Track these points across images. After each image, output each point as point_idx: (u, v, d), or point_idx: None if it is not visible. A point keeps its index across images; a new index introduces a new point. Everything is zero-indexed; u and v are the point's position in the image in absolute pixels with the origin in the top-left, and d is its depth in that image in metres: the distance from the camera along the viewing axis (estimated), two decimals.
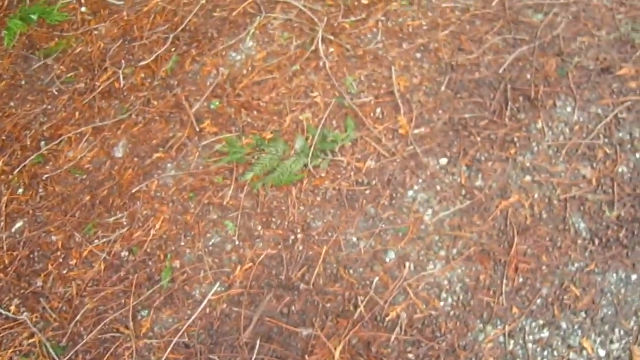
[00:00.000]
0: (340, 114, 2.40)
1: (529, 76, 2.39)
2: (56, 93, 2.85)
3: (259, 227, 2.21)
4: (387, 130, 2.32)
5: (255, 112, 2.48)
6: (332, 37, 2.64)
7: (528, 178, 2.16)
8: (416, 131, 2.30)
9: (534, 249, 2.02)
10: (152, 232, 2.30)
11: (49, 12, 3.20)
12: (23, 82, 2.97)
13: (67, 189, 2.52)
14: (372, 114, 2.37)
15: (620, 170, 2.15)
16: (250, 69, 2.63)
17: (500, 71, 2.42)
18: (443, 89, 2.41)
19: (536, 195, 2.12)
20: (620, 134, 2.22)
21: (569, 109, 2.29)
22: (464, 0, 2.68)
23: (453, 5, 2.67)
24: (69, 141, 2.65)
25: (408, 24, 2.64)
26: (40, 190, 2.55)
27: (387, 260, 2.06)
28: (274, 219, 2.21)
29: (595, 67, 2.39)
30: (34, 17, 3.21)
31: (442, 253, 2.05)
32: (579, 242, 2.03)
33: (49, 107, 2.81)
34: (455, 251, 2.05)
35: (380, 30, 2.63)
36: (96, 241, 2.34)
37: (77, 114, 2.74)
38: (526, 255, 2.01)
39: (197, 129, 2.49)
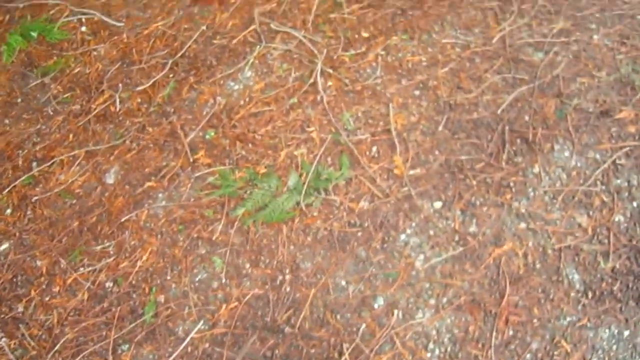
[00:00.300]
0: (336, 150, 2.37)
1: (527, 117, 2.36)
2: (51, 113, 2.83)
3: (247, 265, 2.17)
4: (381, 170, 2.29)
5: (250, 145, 2.45)
6: (330, 70, 2.61)
7: (523, 225, 2.12)
8: (411, 172, 2.27)
9: (526, 300, 1.98)
10: (139, 263, 2.26)
11: (49, 29, 3.19)
12: (19, 100, 2.95)
13: (55, 213, 2.48)
14: (367, 152, 2.34)
15: (616, 219, 2.11)
16: (247, 99, 2.61)
17: (499, 111, 2.39)
18: (440, 128, 2.38)
19: (530, 244, 2.08)
20: (618, 181, 2.18)
21: (567, 153, 2.26)
22: (464, 36, 2.66)
23: (453, 41, 2.65)
24: (61, 164, 2.62)
25: (407, 59, 2.62)
26: (29, 212, 2.52)
27: (376, 306, 2.02)
28: (262, 257, 2.17)
29: (595, 109, 2.36)
30: (34, 34, 3.19)
31: (432, 301, 2.01)
32: (572, 294, 1.98)
33: (43, 127, 2.79)
34: (445, 300, 2.01)
35: (380, 65, 2.61)
36: (81, 269, 2.31)
37: (70, 136, 2.71)
38: (517, 306, 1.97)
39: (191, 159, 2.46)
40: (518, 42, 2.58)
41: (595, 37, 2.55)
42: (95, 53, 3.01)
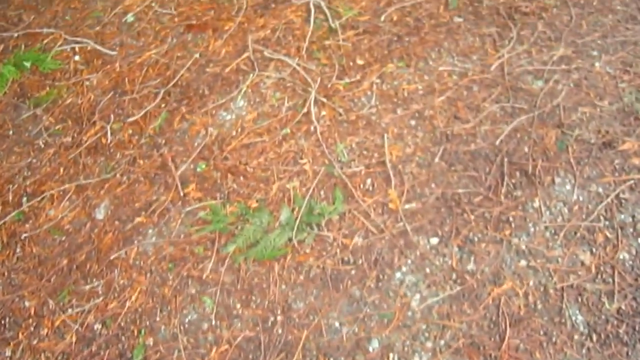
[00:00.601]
0: (329, 183, 2.30)
1: (526, 149, 2.29)
2: (42, 146, 2.79)
3: (238, 305, 2.10)
4: (376, 204, 2.22)
5: (242, 178, 2.39)
6: (324, 99, 2.55)
7: (523, 263, 2.04)
8: (407, 206, 2.20)
9: (527, 343, 1.89)
10: (128, 303, 2.19)
11: (42, 59, 3.16)
12: (11, 132, 2.91)
13: (44, 251, 2.43)
14: (361, 185, 2.27)
15: (621, 256, 2.02)
16: (239, 129, 2.55)
17: (497, 142, 2.32)
18: (437, 160, 2.31)
19: (531, 283, 2.00)
20: (622, 216, 2.10)
21: (568, 187, 2.18)
22: (462, 64, 2.60)
23: (450, 69, 2.59)
24: (51, 198, 2.57)
25: (403, 87, 2.56)
26: (18, 250, 2.47)
27: (370, 349, 1.94)
28: (253, 297, 2.10)
29: (596, 140, 2.28)
30: (27, 64, 3.17)
31: (429, 344, 1.92)
32: (576, 337, 1.89)
33: (34, 160, 2.74)
34: (442, 342, 1.92)
35: (375, 94, 2.55)
36: (69, 310, 2.24)
37: (61, 169, 2.67)
38: (518, 350, 1.88)
39: (182, 193, 2.40)
40: (517, 70, 2.52)
41: (597, 64, 2.48)
42: (87, 83, 2.97)
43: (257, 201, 2.31)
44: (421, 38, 2.74)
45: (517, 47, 2.60)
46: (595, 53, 2.53)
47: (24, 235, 2.48)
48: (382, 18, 2.85)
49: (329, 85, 2.62)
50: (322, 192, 2.29)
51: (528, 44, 2.60)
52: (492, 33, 2.69)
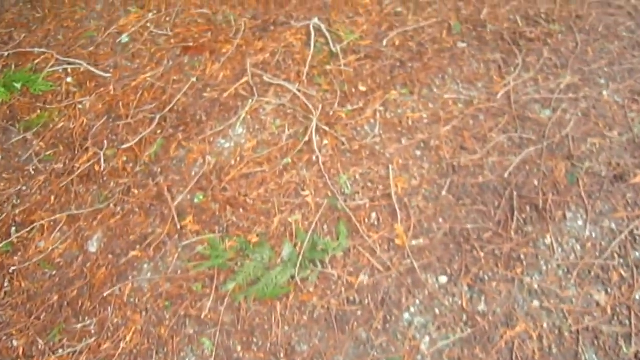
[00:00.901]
0: (333, 217, 2.21)
1: (536, 182, 2.22)
2: (32, 172, 2.68)
3: (239, 348, 2.00)
4: (382, 240, 2.13)
5: (241, 210, 2.29)
6: (326, 128, 2.47)
7: (536, 303, 1.96)
8: (414, 242, 2.11)
9: None
10: (122, 344, 2.09)
11: (33, 80, 3.05)
12: (0, 157, 2.79)
13: (34, 285, 2.31)
14: (366, 220, 2.19)
15: (637, 296, 1.96)
16: (238, 158, 2.46)
17: (506, 175, 2.25)
18: (444, 193, 2.23)
19: (545, 325, 1.92)
20: (637, 254, 2.03)
21: (580, 222, 2.11)
22: (467, 91, 2.53)
23: (455, 97, 2.52)
24: (41, 229, 2.46)
25: (407, 115, 2.48)
26: (6, 284, 2.35)
27: None
28: (255, 339, 2.00)
29: (608, 173, 2.22)
30: (18, 85, 3.06)
31: None
32: None
33: (24, 187, 2.63)
34: None
35: (378, 122, 2.47)
36: (60, 350, 2.13)
37: (52, 198, 2.56)
38: None
39: (178, 226, 2.30)
40: (524, 98, 2.45)
41: (604, 92, 2.42)
42: (80, 106, 2.87)
43: (257, 235, 2.22)
44: (424, 64, 2.67)
45: (523, 75, 2.54)
46: (602, 81, 2.48)
47: (13, 268, 2.37)
48: (384, 42, 2.79)
49: (331, 113, 2.55)
50: (325, 227, 2.20)
51: (534, 71, 2.55)
52: (497, 59, 2.63)
